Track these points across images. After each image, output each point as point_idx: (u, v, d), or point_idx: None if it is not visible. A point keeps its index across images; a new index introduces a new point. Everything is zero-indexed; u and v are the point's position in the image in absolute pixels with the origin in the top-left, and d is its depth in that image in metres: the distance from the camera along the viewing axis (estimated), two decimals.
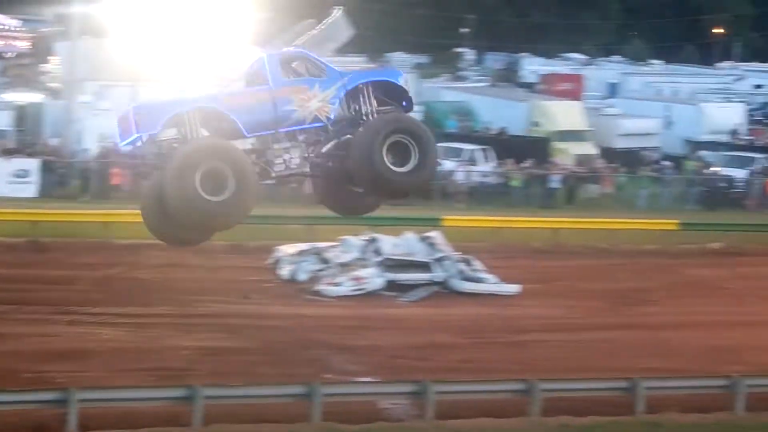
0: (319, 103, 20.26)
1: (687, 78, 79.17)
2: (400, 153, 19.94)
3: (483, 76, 79.87)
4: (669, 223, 37.76)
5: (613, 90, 72.91)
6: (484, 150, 46.45)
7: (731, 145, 51.77)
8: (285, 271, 30.10)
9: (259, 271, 30.74)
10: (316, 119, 20.29)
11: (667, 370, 23.54)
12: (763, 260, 35.57)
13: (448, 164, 43.80)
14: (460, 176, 44.15)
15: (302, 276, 29.70)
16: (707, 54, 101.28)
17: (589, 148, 49.68)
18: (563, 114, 52.10)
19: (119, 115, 20.11)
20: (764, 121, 67.94)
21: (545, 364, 24.03)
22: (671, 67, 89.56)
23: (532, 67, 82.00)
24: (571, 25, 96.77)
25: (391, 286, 29.04)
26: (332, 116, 20.32)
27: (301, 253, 30.38)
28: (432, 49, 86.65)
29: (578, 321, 28.05)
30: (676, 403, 21.61)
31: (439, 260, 29.57)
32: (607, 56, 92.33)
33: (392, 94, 20.83)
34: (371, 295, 28.80)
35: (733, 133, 54.35)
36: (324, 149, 20.11)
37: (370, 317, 27.29)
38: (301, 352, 24.64)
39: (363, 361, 24.17)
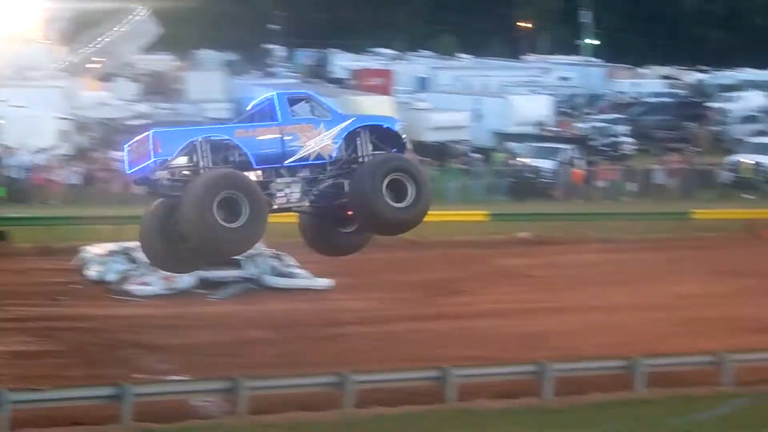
0: (323, 141, 21.43)
1: (495, 71, 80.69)
2: (398, 190, 21.10)
3: (293, 72, 79.93)
4: (479, 214, 38.42)
5: (422, 84, 73.74)
6: None
7: (538, 137, 52.92)
8: (93, 272, 29.42)
9: (67, 273, 29.96)
10: (319, 157, 21.50)
11: (479, 358, 23.90)
12: (570, 248, 36.58)
13: None
14: None
15: (111, 276, 29.06)
16: (515, 47, 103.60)
17: None
18: (374, 109, 52.31)
19: (131, 141, 21.15)
20: (570, 112, 69.91)
21: (359, 357, 24.11)
22: (479, 60, 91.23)
23: (342, 62, 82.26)
24: (380, 20, 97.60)
25: (203, 284, 28.62)
26: (333, 155, 21.51)
27: (109, 253, 29.71)
28: (241, 46, 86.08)
29: (391, 313, 28.21)
30: (486, 389, 21.99)
31: (250, 257, 29.24)
32: (416, 51, 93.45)
33: (386, 140, 22.00)
34: (182, 293, 28.36)
35: (541, 124, 55.60)
36: (321, 186, 21.12)
37: (181, 316, 26.92)
38: (111, 352, 24.19)
39: (175, 360, 23.83)
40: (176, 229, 21.32)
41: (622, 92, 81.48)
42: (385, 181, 21.09)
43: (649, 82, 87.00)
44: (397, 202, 21.17)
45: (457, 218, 38.15)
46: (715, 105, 72.80)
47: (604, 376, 22.86)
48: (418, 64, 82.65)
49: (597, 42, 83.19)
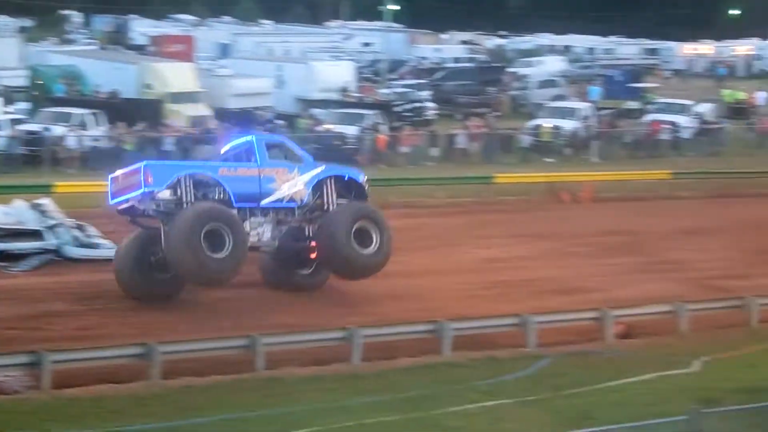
0: (297, 186, 24.49)
1: (297, 37, 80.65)
2: (364, 237, 24.65)
3: (91, 39, 77.96)
4: None
5: (224, 51, 73.12)
6: (94, 114, 45.22)
7: (342, 103, 53.11)
8: None
9: None
10: (291, 200, 24.55)
11: (287, 325, 23.75)
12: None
13: (57, 130, 42.67)
14: (70, 142, 42.81)
15: None
16: (316, 13, 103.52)
17: (202, 109, 49.54)
18: (175, 76, 51.61)
19: (120, 172, 23.92)
20: (373, 78, 70.40)
21: (166, 327, 23.63)
22: (281, 26, 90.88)
23: (142, 29, 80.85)
24: None
25: (2, 256, 27.62)
26: (304, 200, 24.70)
27: None
28: (37, 11, 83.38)
29: None
30: (295, 357, 21.92)
31: (51, 227, 28.38)
32: (217, 17, 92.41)
33: (350, 188, 25.46)
34: None
35: (344, 90, 55.79)
36: (288, 228, 24.26)
37: None
38: None
39: None
40: (153, 261, 24.35)
41: (424, 58, 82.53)
42: (353, 229, 24.50)
43: (450, 48, 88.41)
44: (363, 248, 24.76)
45: None
46: (515, 70, 74.59)
47: (412, 341, 23.05)
48: (219, 30, 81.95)
49: (398, 7, 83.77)
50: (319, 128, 47.99)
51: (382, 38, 73.98)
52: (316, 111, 51.49)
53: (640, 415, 17.36)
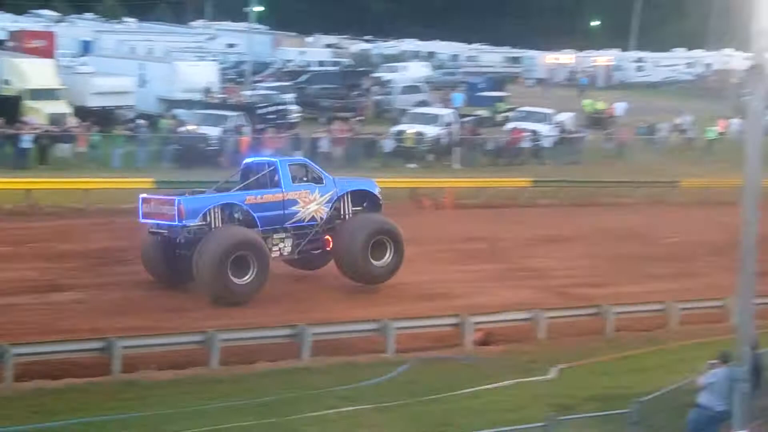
0: (317, 206, 26.89)
1: (161, 36, 79.68)
2: (380, 250, 27.22)
3: None
4: (144, 182, 37.59)
5: (86, 48, 71.73)
6: None
7: (205, 104, 52.52)
8: None
9: None
10: (312, 219, 26.93)
11: (144, 328, 23.33)
12: None
13: None
14: None
15: None
16: (180, 13, 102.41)
17: (62, 107, 48.44)
18: (35, 72, 50.34)
19: (153, 197, 26.30)
20: (237, 79, 69.84)
21: (19, 328, 23.01)
22: (145, 25, 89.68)
23: (1, 23, 78.63)
24: None
25: None
26: (324, 217, 27.12)
27: None
28: None
29: (53, 282, 27.10)
30: (153, 360, 21.54)
31: None
32: (79, 13, 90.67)
33: (364, 198, 28.22)
34: None
35: (207, 91, 55.19)
36: (308, 240, 26.81)
37: None
38: None
39: None
40: (177, 255, 26.21)
41: (288, 60, 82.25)
42: (370, 244, 26.95)
43: (314, 51, 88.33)
44: (377, 260, 27.28)
45: (122, 185, 37.24)
46: (379, 75, 74.85)
47: (272, 345, 22.87)
48: (81, 27, 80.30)
49: (262, 9, 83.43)
50: (182, 129, 47.28)
51: (247, 39, 73.40)
52: (179, 111, 50.76)
53: (498, 422, 17.48)
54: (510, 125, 53.78)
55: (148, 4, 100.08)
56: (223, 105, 52.54)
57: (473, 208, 41.34)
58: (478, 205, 41.86)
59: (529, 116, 55.33)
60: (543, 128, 53.52)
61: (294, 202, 26.62)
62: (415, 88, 66.50)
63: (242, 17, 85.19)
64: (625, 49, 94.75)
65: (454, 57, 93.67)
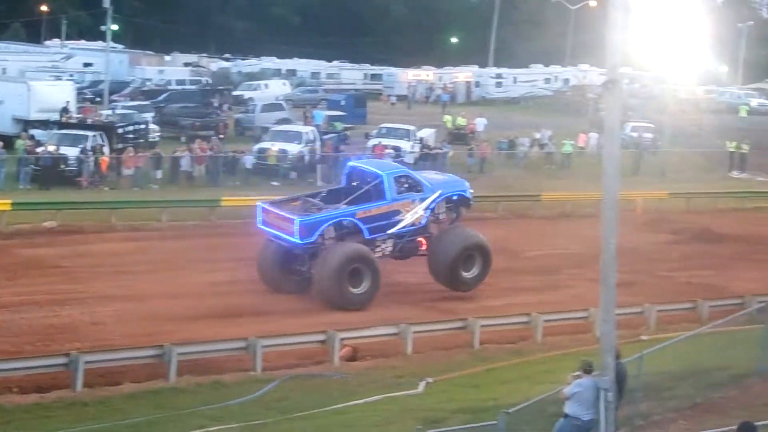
0: (417, 213, 29.65)
1: (15, 56, 77.87)
2: (470, 262, 30.23)
3: None
4: (2, 204, 36.74)
5: None
6: None
7: (63, 124, 51.40)
8: None
9: None
10: (412, 225, 29.77)
11: (5, 352, 22.77)
12: (98, 237, 35.94)
13: None
14: None
15: None
16: (35, 32, 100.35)
17: None
18: None
19: (274, 209, 28.94)
20: (94, 99, 68.67)
21: None
22: None
23: None
24: None
25: None
26: (423, 223, 30.03)
27: None
28: None
29: None
30: (16, 384, 21.03)
31: None
32: None
33: (457, 201, 31.25)
34: None
35: (64, 111, 54.05)
36: (406, 241, 29.93)
37: None
38: None
39: None
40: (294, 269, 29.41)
41: (147, 79, 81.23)
42: (462, 258, 29.95)
43: (174, 70, 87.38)
44: (466, 271, 30.30)
45: None
46: (240, 93, 74.45)
47: (137, 366, 22.53)
48: None
49: (117, 28, 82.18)
50: (39, 150, 46.18)
51: (103, 59, 72.21)
52: (36, 132, 49.62)
53: None
54: (372, 142, 53.92)
55: (2, 24, 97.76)
56: (81, 125, 51.47)
57: None
58: None
59: (390, 133, 55.62)
60: (405, 144, 53.86)
61: (397, 212, 29.55)
62: (276, 106, 66.19)
63: (98, 36, 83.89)
64: (483, 65, 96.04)
65: (315, 74, 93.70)
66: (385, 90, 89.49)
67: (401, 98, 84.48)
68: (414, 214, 29.67)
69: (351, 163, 32.12)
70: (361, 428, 19.26)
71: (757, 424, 11.52)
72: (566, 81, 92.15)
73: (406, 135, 55.36)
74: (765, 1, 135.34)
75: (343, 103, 70.33)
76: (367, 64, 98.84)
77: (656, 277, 34.03)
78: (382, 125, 57.73)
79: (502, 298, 30.87)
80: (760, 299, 27.34)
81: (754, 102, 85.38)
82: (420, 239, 30.43)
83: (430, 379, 23.28)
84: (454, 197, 31.34)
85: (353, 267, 28.20)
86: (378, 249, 29.45)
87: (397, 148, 52.92)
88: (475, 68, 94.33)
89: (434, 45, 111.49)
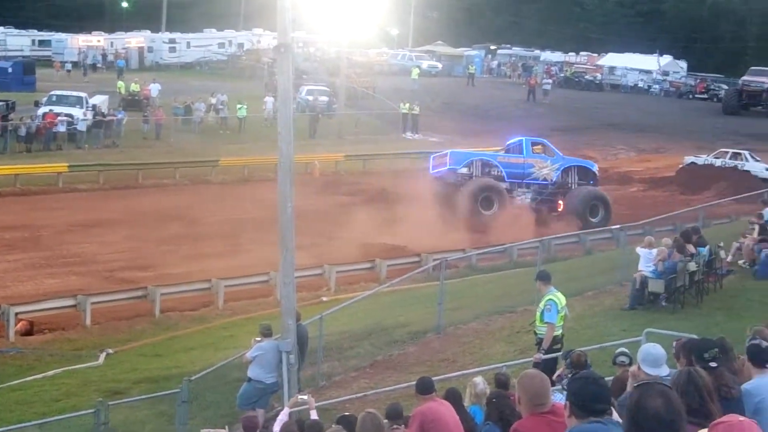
0: (547, 171, 37.69)
1: None
2: (594, 210, 37.46)
3: None
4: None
5: None
6: None
7: None
8: None
9: None
10: (544, 179, 37.83)
11: None
12: None
13: None
14: None
15: None
16: None
17: None
18: None
19: (435, 155, 39.77)
20: None
21: None
22: None
23: None
24: None
25: None
26: (553, 180, 37.72)
27: None
28: None
29: None
30: None
31: None
32: None
33: (586, 175, 38.79)
34: None
35: None
36: (542, 197, 37.48)
37: None
38: None
39: None
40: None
41: None
42: (589, 206, 37.28)
43: None
44: (593, 218, 37.17)
45: None
46: None
47: None
48: None
49: None
50: None
51: None
52: None
53: (48, 413, 16.99)
54: (42, 110, 51.91)
55: None
56: None
57: (8, 196, 39.70)
58: (14, 192, 40.28)
59: (61, 100, 53.67)
60: (77, 112, 52.15)
61: (530, 165, 37.96)
62: None
63: None
64: (156, 30, 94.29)
65: None
66: (55, 57, 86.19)
67: (75, 65, 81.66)
68: (545, 171, 37.92)
69: (509, 141, 40.29)
70: (39, 404, 18.62)
71: (435, 378, 11.90)
72: (241, 45, 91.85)
73: (78, 102, 53.55)
74: None
75: (10, 70, 67.26)
76: (35, 30, 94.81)
77: (336, 239, 34.65)
78: (51, 92, 55.63)
79: (183, 266, 30.60)
80: (435, 257, 28.35)
81: (425, 64, 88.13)
82: (558, 201, 37.95)
83: (110, 350, 22.86)
84: (584, 169, 39.42)
85: (485, 195, 36.64)
86: (518, 197, 37.65)
87: (69, 116, 51.19)
88: (147, 33, 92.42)
89: (105, 10, 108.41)
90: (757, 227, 24.48)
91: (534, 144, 38.95)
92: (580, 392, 5.60)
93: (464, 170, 37.56)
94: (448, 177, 37.44)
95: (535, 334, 15.65)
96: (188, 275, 28.86)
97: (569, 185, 38.32)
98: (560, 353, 14.81)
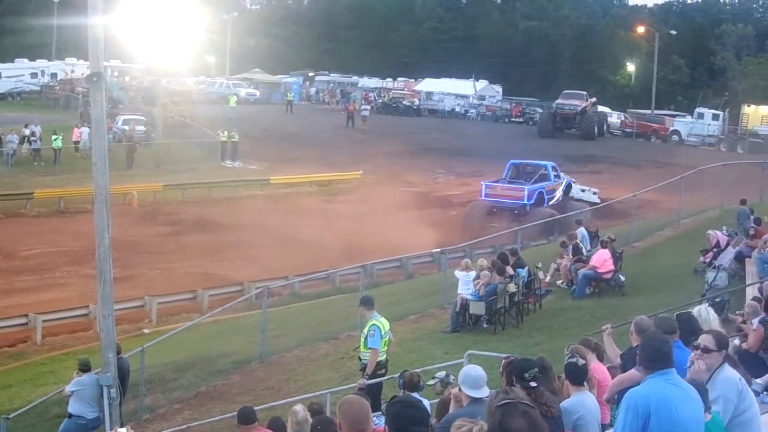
0: (560, 191, 44.04)
1: None
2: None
3: None
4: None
5: None
6: None
7: None
8: None
9: None
10: (557, 199, 43.59)
11: None
12: None
13: None
14: None
15: None
16: None
17: None
18: None
19: (499, 185, 43.43)
20: None
21: None
22: None
23: None
24: None
25: None
26: (560, 199, 43.88)
27: None
28: None
29: None
30: None
31: None
32: None
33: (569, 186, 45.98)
34: None
35: None
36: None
37: None
38: None
39: None
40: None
41: None
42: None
43: None
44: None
45: None
46: None
47: None
48: None
49: None
50: None
51: None
52: None
53: None
54: None
55: None
56: None
57: None
58: None
59: None
60: None
61: (553, 190, 43.33)
62: None
63: None
64: None
65: None
66: None
67: None
68: (558, 191, 43.82)
69: (513, 161, 45.44)
70: None
71: (259, 407, 11.85)
72: (54, 75, 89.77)
73: None
74: None
75: None
76: None
77: (156, 269, 34.17)
78: None
79: None
80: (258, 285, 28.25)
81: (243, 92, 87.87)
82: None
83: None
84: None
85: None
86: (549, 198, 43.07)
87: None
88: None
89: None
90: (570, 247, 25.23)
91: (554, 169, 44.74)
92: (398, 416, 5.65)
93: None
94: (514, 209, 41.75)
95: (360, 359, 15.67)
96: (4, 311, 27.99)
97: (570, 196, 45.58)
98: (384, 378, 14.92)
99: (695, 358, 8.00)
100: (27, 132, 57.81)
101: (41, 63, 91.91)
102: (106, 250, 15.91)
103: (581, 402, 8.82)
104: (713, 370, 7.96)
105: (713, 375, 7.94)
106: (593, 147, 70.02)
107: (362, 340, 15.45)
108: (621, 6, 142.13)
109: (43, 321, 26.74)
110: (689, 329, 9.56)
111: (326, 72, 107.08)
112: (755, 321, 12.94)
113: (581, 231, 26.80)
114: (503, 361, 9.82)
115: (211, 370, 20.91)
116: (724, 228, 25.87)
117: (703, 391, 7.21)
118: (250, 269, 33.51)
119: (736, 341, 12.54)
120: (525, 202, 41.75)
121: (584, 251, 25.28)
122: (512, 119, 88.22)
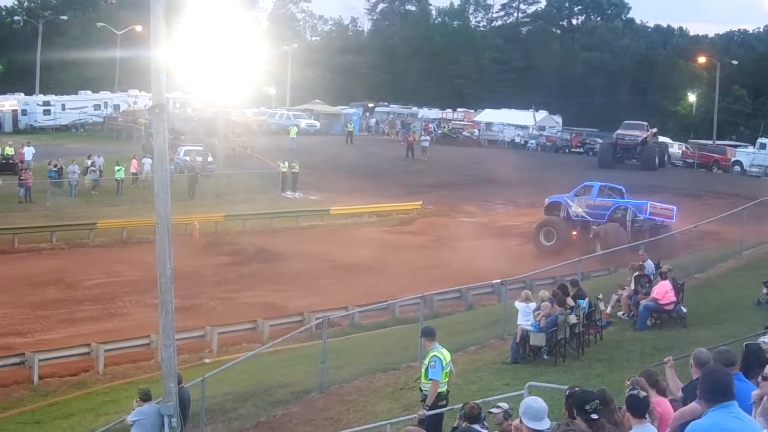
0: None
1: None
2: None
3: None
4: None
5: None
6: None
7: None
8: None
9: None
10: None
11: None
12: None
13: None
14: None
15: None
16: None
17: None
18: None
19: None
20: None
21: None
22: None
23: None
24: None
25: None
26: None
27: None
28: None
29: None
30: None
31: None
32: None
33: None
34: None
35: None
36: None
37: None
38: None
39: None
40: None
41: None
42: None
43: None
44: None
45: None
46: None
47: None
48: None
49: None
50: None
51: None
52: None
53: None
54: None
55: None
56: None
57: None
58: None
59: None
60: None
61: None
62: None
63: None
64: (30, 92, 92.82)
65: None
66: None
67: None
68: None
69: (587, 182, 47.16)
70: None
71: None
72: (117, 107, 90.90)
73: None
74: (308, 24, 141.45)
75: None
76: None
77: (217, 300, 34.34)
78: None
79: (61, 330, 30.00)
80: (317, 315, 28.26)
81: (303, 123, 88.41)
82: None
83: None
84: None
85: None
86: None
87: None
88: (21, 96, 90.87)
89: None
90: (632, 278, 24.98)
91: (601, 189, 45.81)
92: None
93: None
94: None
95: (421, 390, 15.61)
96: (66, 340, 28.26)
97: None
98: (445, 409, 14.85)
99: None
100: (89, 163, 58.55)
101: (104, 95, 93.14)
102: (168, 279, 16.00)
103: None
104: None
105: None
106: (654, 177, 69.38)
107: (423, 371, 15.39)
108: (682, 36, 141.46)
109: (105, 350, 26.94)
110: (757, 361, 9.43)
111: (386, 103, 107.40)
112: None
113: (649, 263, 26.50)
114: (566, 391, 9.74)
115: (271, 400, 20.91)
116: None
117: None
118: (311, 299, 33.58)
119: None
120: (674, 219, 42.93)
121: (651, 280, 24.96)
122: (572, 150, 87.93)
